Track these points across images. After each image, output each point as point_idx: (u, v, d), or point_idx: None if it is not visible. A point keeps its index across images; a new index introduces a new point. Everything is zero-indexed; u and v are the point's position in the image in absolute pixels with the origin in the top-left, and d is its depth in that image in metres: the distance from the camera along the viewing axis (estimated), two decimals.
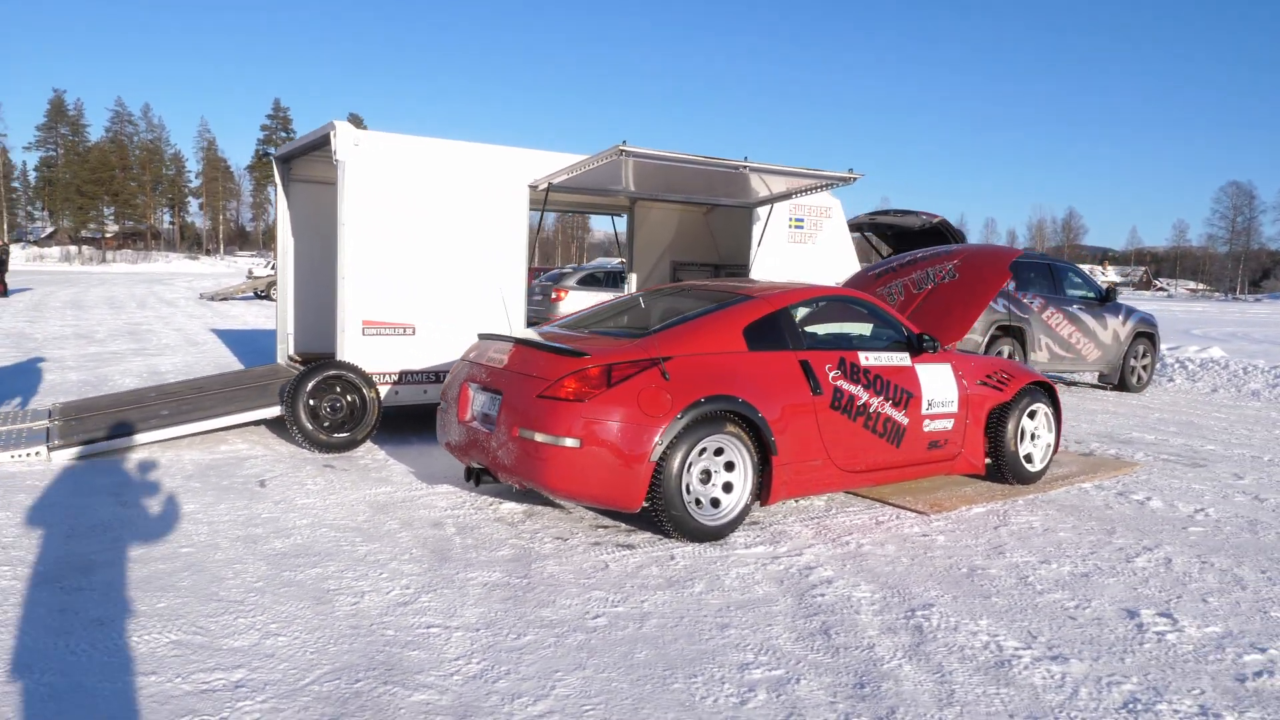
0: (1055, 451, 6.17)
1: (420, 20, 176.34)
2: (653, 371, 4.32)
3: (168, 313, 20.06)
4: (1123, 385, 11.60)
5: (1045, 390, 5.97)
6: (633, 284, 9.91)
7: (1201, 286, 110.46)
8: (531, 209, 7.21)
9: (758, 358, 4.67)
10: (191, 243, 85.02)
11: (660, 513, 4.29)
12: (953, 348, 5.82)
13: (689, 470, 4.35)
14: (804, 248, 8.58)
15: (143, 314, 19.42)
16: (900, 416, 5.14)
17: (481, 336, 5.10)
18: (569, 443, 4.16)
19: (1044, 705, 2.85)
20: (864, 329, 5.44)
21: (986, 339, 10.10)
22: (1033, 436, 5.89)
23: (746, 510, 4.51)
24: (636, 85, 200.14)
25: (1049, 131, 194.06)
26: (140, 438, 5.79)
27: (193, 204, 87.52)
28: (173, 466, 5.59)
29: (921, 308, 6.31)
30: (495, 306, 6.66)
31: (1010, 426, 5.69)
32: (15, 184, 75.21)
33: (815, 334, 5.17)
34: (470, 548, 4.21)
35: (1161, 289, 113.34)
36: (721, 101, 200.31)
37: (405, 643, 3.15)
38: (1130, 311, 11.73)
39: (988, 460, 5.77)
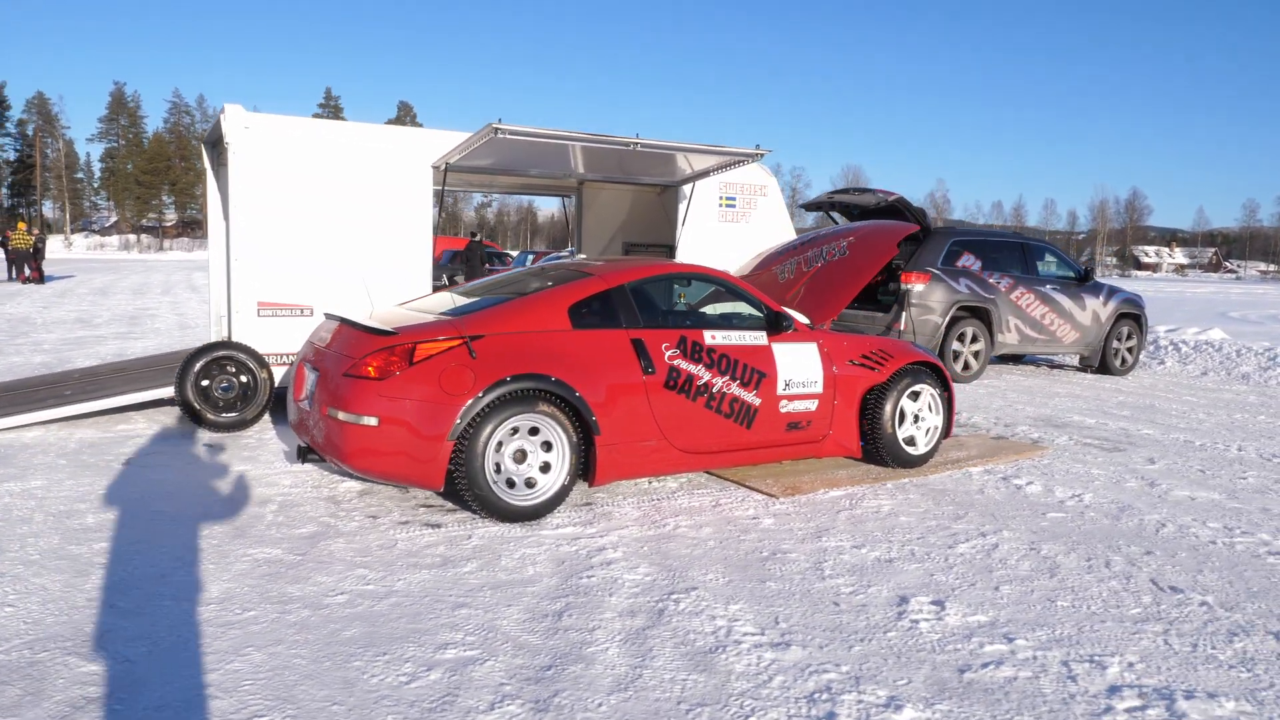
0: (948, 434, 5.97)
1: (475, 7, 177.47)
2: (459, 350, 4.28)
3: (184, 298, 20.61)
4: (1105, 368, 11.18)
5: (931, 371, 5.77)
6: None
7: (1273, 268, 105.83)
8: (476, 190, 7.20)
9: (582, 336, 4.60)
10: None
11: (465, 492, 4.26)
12: (826, 326, 5.66)
13: (498, 450, 4.31)
14: (736, 227, 8.41)
15: (159, 300, 19.98)
16: (751, 397, 5.01)
17: (326, 316, 5.12)
18: (368, 421, 4.15)
19: (725, 692, 2.76)
20: (722, 308, 5.32)
21: (946, 321, 9.82)
22: (916, 419, 5.70)
23: (564, 491, 4.45)
24: (696, 71, 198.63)
25: (1111, 109, 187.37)
26: (28, 417, 5.95)
27: None
28: (55, 445, 5.74)
29: (807, 286, 6.15)
30: (396, 287, 6.67)
31: (887, 408, 5.51)
32: (80, 175, 78.00)
33: (659, 312, 5.07)
34: (275, 525, 4.24)
35: (1231, 271, 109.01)
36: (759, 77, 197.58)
37: (125, 612, 3.18)
38: (1113, 292, 11.29)
39: (865, 444, 5.60)
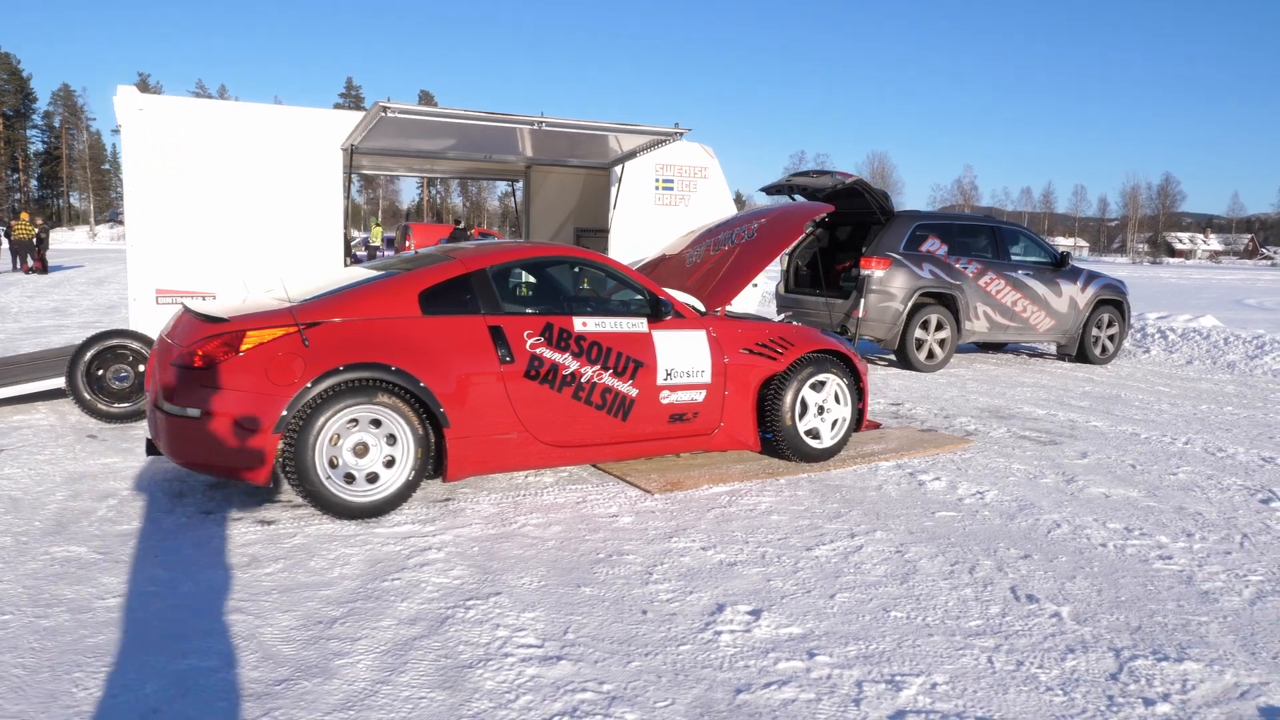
0: (861, 426, 5.66)
1: None
2: (291, 338, 4.05)
3: None
4: (1084, 357, 10.75)
5: (839, 360, 5.45)
6: None
7: None
8: (414, 174, 6.97)
9: (432, 323, 4.35)
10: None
11: (295, 487, 4.04)
12: (721, 311, 5.36)
13: (334, 443, 4.08)
14: (674, 210, 8.11)
15: None
16: (626, 387, 4.74)
17: (183, 306, 4.91)
18: (191, 412, 3.94)
19: (459, 713, 2.50)
20: (603, 293, 5.04)
21: (908, 308, 9.45)
22: (820, 410, 5.39)
23: (409, 487, 4.22)
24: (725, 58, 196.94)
25: (1143, 95, 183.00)
26: None
27: None
28: None
29: (709, 270, 5.85)
30: (305, 271, 6.46)
31: (786, 399, 5.21)
32: (105, 166, 78.96)
33: (526, 298, 4.81)
34: (101, 520, 4.04)
35: (1268, 257, 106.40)
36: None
37: None
38: (1092, 277, 10.83)
39: (766, 435, 5.31)
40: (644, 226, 7.89)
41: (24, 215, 24.33)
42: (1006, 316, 10.13)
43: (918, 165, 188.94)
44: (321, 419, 4.01)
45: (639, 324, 4.85)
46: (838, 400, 5.45)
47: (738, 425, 5.17)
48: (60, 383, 6.13)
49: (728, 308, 6.40)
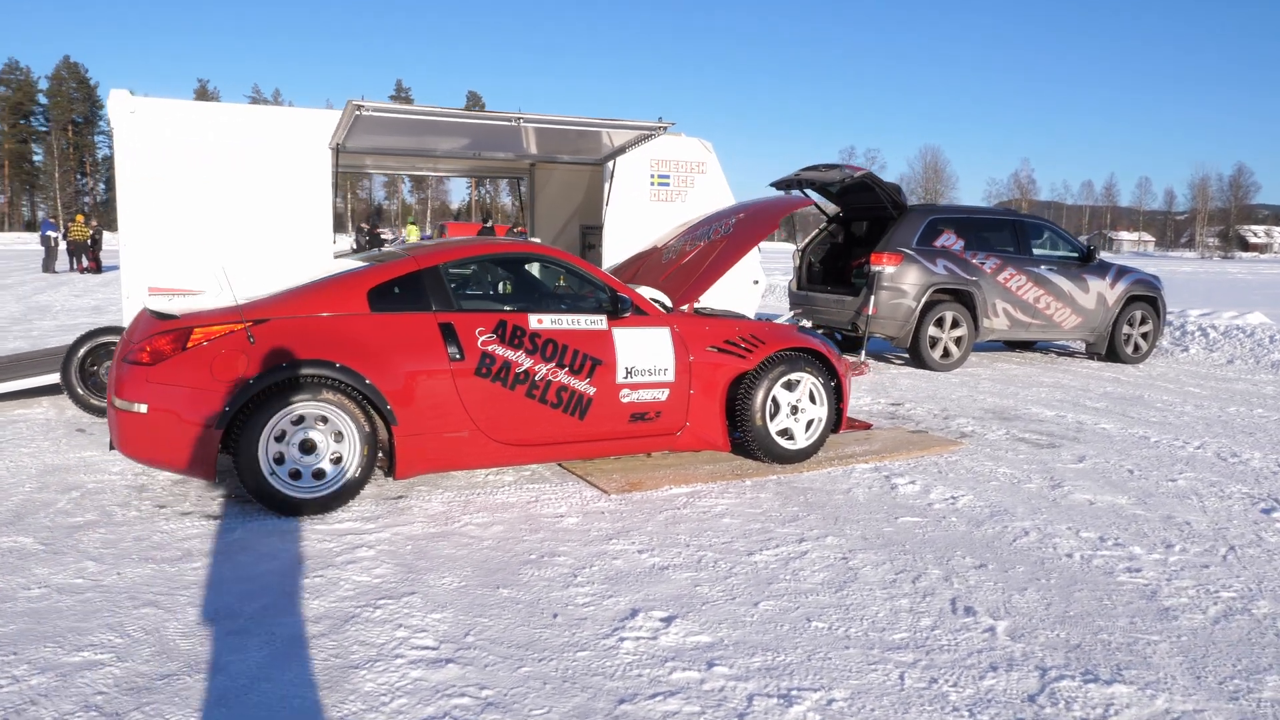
0: (841, 427, 5.50)
1: None
2: (238, 335, 4.06)
3: None
4: (1114, 355, 10.35)
5: (815, 359, 5.30)
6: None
7: None
8: (417, 172, 6.99)
9: (381, 320, 4.32)
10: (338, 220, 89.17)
11: (242, 483, 4.05)
12: (689, 308, 5.25)
13: (280, 440, 4.08)
14: (671, 206, 8.00)
15: None
16: (583, 386, 4.66)
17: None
18: (139, 408, 3.97)
19: (329, 715, 2.46)
20: (563, 290, 4.97)
21: (921, 305, 9.19)
22: (794, 410, 5.24)
23: (355, 483, 4.20)
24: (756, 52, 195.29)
25: (1211, 83, 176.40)
26: None
27: None
28: None
29: (682, 266, 5.74)
30: (293, 268, 6.52)
31: (757, 398, 5.08)
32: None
33: (482, 295, 4.76)
34: (57, 512, 4.10)
35: None
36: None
37: None
38: (1123, 272, 10.42)
39: (738, 436, 5.19)
40: (639, 223, 7.79)
41: (79, 217, 25.20)
42: (1028, 314, 9.80)
43: (972, 159, 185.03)
44: (265, 416, 4.01)
45: (598, 321, 4.76)
46: (813, 400, 5.30)
47: (705, 425, 5.05)
48: (50, 379, 6.27)
49: (711, 306, 6.30)
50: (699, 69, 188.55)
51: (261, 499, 4.05)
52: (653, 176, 7.89)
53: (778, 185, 10.09)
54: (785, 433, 5.23)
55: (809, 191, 10.25)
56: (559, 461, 5.04)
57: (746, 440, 5.14)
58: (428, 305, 4.45)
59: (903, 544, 3.96)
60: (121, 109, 6.16)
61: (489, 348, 4.45)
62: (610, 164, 7.63)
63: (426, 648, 2.86)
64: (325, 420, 4.17)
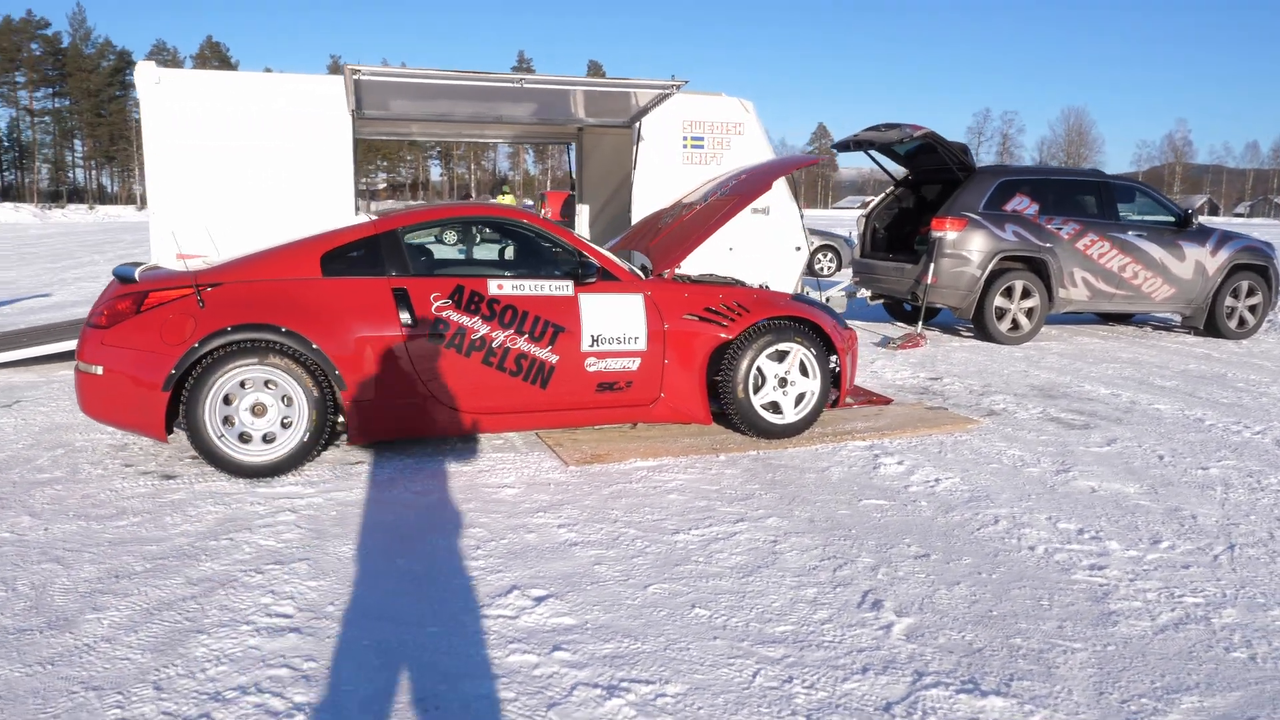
0: (839, 403, 5.19)
1: None
2: (188, 299, 4.13)
3: None
4: (1214, 329, 9.42)
5: (808, 329, 4.99)
6: (584, 217, 9.44)
7: None
8: (464, 138, 7.01)
9: (332, 285, 4.31)
10: (463, 192, 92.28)
11: (192, 446, 4.14)
12: (668, 274, 5.02)
13: (228, 403, 4.14)
14: (705, 169, 7.70)
15: None
16: (544, 353, 4.53)
17: None
18: (95, 370, 4.11)
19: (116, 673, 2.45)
20: (528, 255, 4.84)
21: (985, 273, 8.58)
22: (781, 382, 4.96)
23: (304, 447, 4.22)
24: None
25: None
26: None
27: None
28: None
29: (674, 231, 5.49)
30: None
31: (740, 369, 4.83)
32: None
33: (444, 260, 4.68)
34: (33, 469, 4.30)
35: None
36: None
37: None
38: (1227, 239, 9.44)
39: (724, 409, 4.96)
40: (670, 186, 7.54)
41: None
42: (1112, 283, 9.01)
43: (1121, 121, 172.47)
44: (211, 378, 4.07)
45: (564, 287, 4.61)
46: (805, 373, 5.00)
47: (681, 396, 4.84)
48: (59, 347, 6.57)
49: (715, 273, 6.04)
50: (847, 30, 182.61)
51: (211, 461, 4.13)
52: (685, 138, 7.62)
53: (837, 147, 9.62)
54: (771, 406, 4.95)
55: (874, 154, 9.74)
56: (531, 431, 4.94)
57: (729, 413, 4.90)
58: (382, 270, 4.41)
59: (850, 529, 3.67)
60: (147, 80, 6.38)
61: (443, 313, 4.38)
62: (637, 126, 7.41)
63: (282, 615, 2.83)
64: (273, 384, 4.20)
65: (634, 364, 4.70)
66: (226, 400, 4.13)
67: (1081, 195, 9.12)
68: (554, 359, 4.55)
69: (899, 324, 10.05)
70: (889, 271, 9.34)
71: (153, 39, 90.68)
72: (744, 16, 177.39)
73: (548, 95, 6.79)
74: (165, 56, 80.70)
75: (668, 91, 6.33)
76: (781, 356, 4.95)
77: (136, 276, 4.26)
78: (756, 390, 4.92)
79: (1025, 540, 3.57)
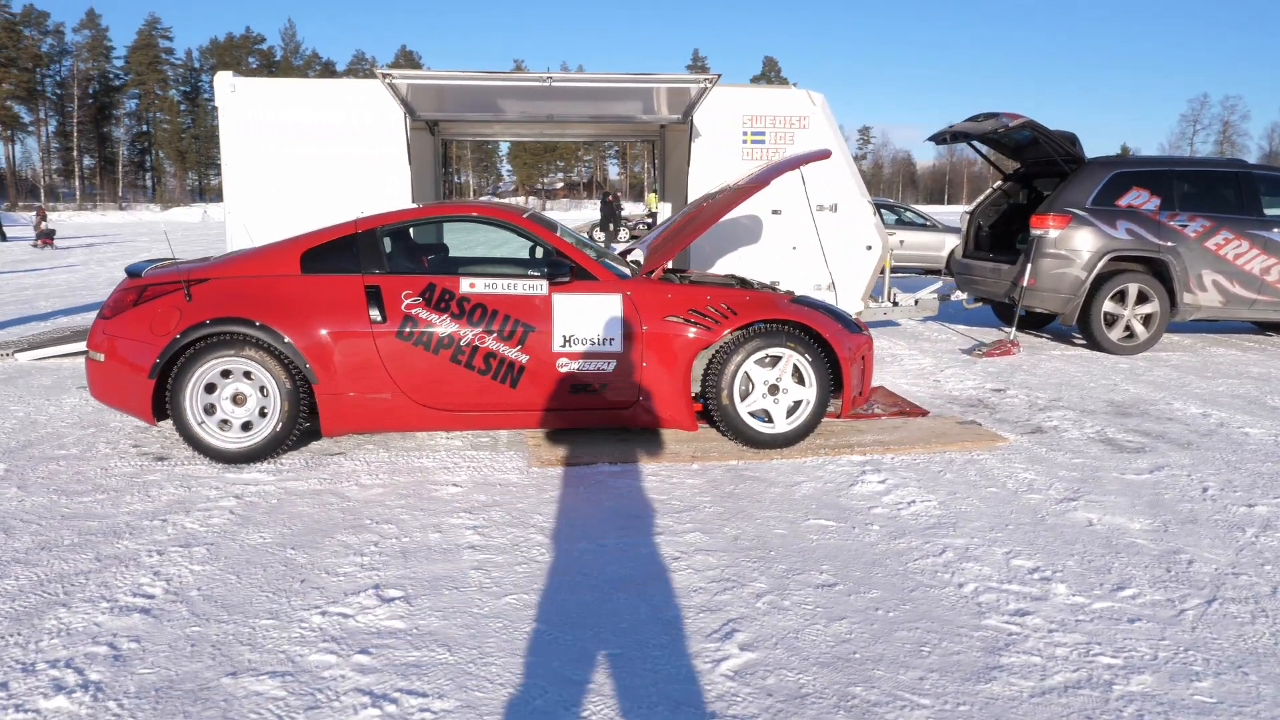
0: (849, 410, 4.85)
1: None
2: (178, 294, 4.42)
3: None
4: None
5: (801, 333, 4.69)
6: (665, 216, 9.31)
7: None
8: (543, 138, 7.18)
9: (309, 282, 4.47)
10: (640, 190, 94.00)
11: (176, 430, 4.42)
12: (656, 274, 4.85)
13: (210, 391, 4.38)
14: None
15: None
16: (513, 353, 4.50)
17: None
18: (99, 357, 4.47)
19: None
20: (508, 254, 4.82)
21: (1093, 275, 7.77)
22: (772, 389, 4.69)
23: (277, 437, 4.40)
24: None
25: None
26: (36, 353, 7.07)
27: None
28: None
29: (679, 227, 5.30)
30: None
31: (725, 374, 4.62)
32: (489, 146, 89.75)
33: (417, 258, 4.74)
34: (54, 445, 4.73)
35: None
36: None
37: None
38: None
39: (711, 415, 4.76)
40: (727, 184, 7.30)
41: None
42: (1252, 288, 7.93)
43: None
44: (193, 368, 4.33)
45: (538, 286, 4.56)
46: (800, 380, 4.70)
47: (662, 401, 4.67)
48: None
49: (734, 274, 5.80)
50: (1032, 19, 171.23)
51: (193, 446, 4.39)
52: (745, 134, 7.36)
53: (933, 139, 9.01)
54: (760, 414, 4.70)
55: (977, 146, 9.06)
56: (516, 430, 4.93)
57: (714, 420, 4.69)
58: (357, 268, 4.53)
59: (772, 550, 3.41)
60: (224, 87, 6.88)
61: (412, 311, 4.45)
62: (690, 121, 7.22)
63: (145, 596, 2.96)
64: (252, 375, 4.40)
65: (609, 366, 4.58)
66: (210, 389, 4.37)
67: (1216, 188, 8.07)
68: (524, 359, 4.51)
69: (1005, 330, 9.28)
70: (986, 272, 8.64)
71: (353, 50, 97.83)
72: (917, 11, 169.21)
73: (601, 94, 6.75)
74: (364, 66, 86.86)
75: (697, 85, 6.12)
76: (774, 362, 4.68)
77: (144, 273, 4.59)
78: (744, 397, 4.68)
79: (960, 576, 3.18)
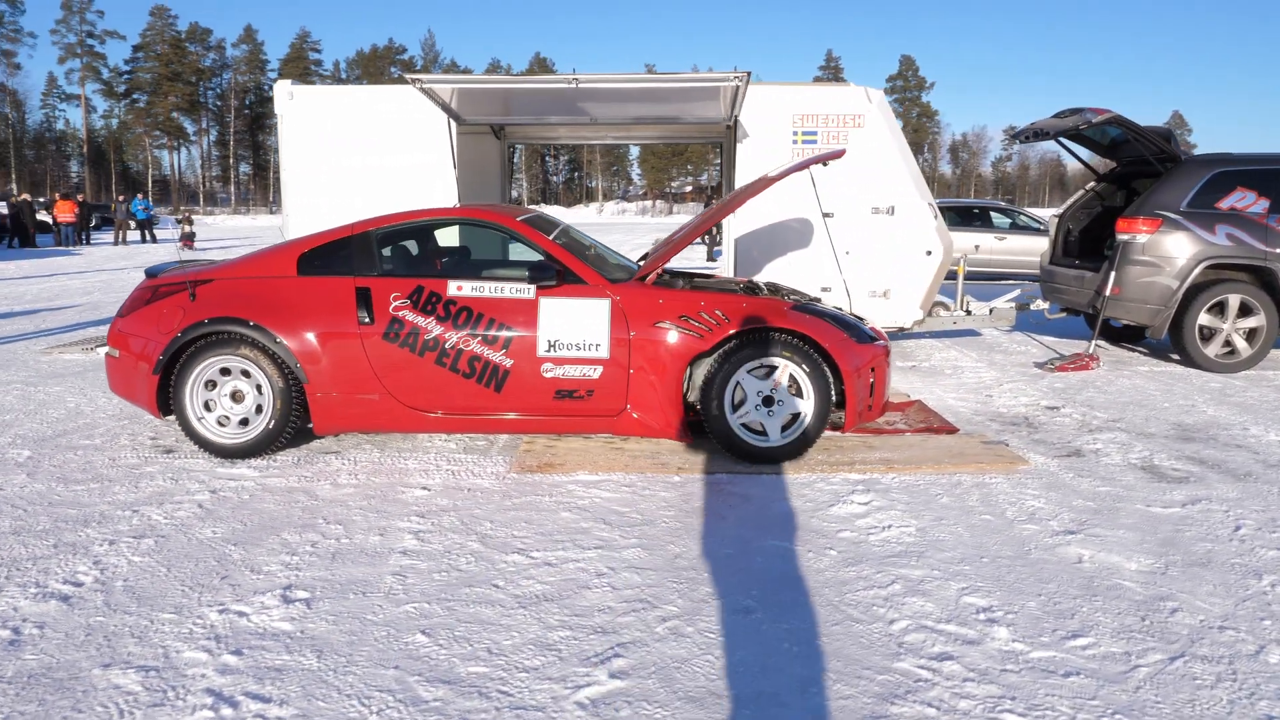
0: (855, 424, 4.58)
1: None
2: (184, 294, 4.62)
3: None
4: None
5: (799, 342, 4.45)
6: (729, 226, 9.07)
7: None
8: (614, 140, 7.15)
9: (303, 283, 4.58)
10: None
11: (179, 424, 4.61)
12: (650, 278, 4.70)
13: (209, 388, 4.55)
14: (818, 167, 7.08)
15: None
16: (498, 357, 4.47)
17: None
18: (115, 352, 4.73)
19: None
20: (497, 257, 4.79)
21: (1185, 285, 7.08)
22: (766, 401, 4.48)
23: (271, 434, 4.52)
24: None
25: None
26: None
27: None
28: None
29: (688, 229, 5.12)
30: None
31: (715, 384, 4.45)
32: (620, 150, 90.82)
33: (410, 261, 4.77)
34: (87, 435, 5.04)
35: None
36: None
37: None
38: None
39: (707, 425, 4.59)
40: (777, 187, 7.03)
41: None
42: None
43: None
44: (194, 365, 4.51)
45: (525, 290, 4.51)
46: (798, 392, 4.46)
47: (650, 409, 4.53)
48: None
49: (750, 279, 5.58)
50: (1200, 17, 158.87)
51: (193, 440, 4.57)
52: (795, 134, 7.08)
53: (1014, 137, 8.44)
54: (752, 427, 4.49)
55: (1068, 144, 8.43)
56: (505, 435, 4.90)
57: (706, 431, 4.52)
58: (351, 270, 4.60)
59: (706, 571, 3.24)
60: (283, 95, 7.17)
61: (399, 313, 4.48)
62: (734, 121, 7.01)
63: (73, 584, 3.07)
64: (248, 374, 4.55)
65: (595, 372, 4.48)
66: (211, 385, 4.54)
67: None
68: (508, 362, 4.47)
69: (1100, 343, 8.58)
70: (1069, 280, 8.01)
71: (489, 58, 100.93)
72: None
73: (641, 95, 6.64)
74: (499, 73, 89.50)
75: (727, 83, 5.91)
76: (769, 372, 4.46)
77: (159, 273, 4.81)
78: (736, 408, 4.48)
79: (896, 612, 2.91)
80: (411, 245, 4.89)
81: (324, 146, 7.23)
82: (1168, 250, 7.11)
